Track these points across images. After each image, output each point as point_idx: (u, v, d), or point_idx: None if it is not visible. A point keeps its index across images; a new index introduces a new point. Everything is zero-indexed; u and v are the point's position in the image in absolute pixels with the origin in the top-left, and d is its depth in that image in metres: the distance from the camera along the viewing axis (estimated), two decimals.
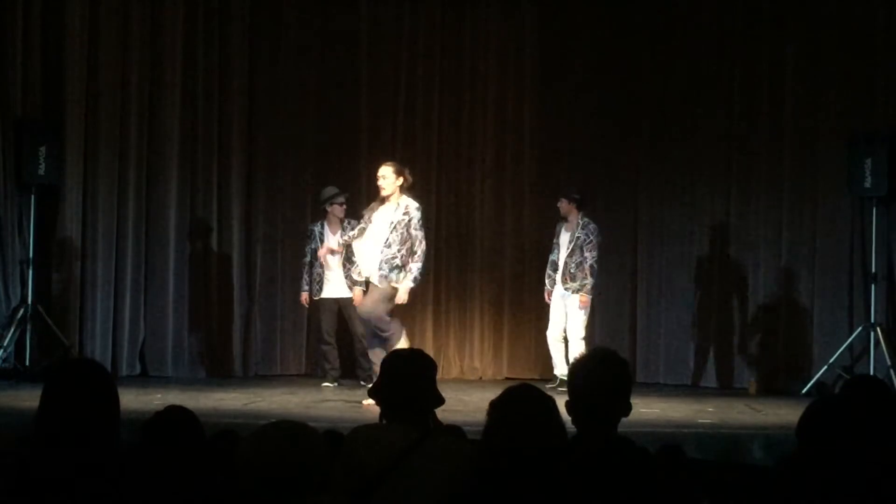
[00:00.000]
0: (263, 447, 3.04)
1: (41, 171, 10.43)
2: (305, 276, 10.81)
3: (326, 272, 10.68)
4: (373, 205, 9.31)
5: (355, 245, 9.39)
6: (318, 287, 10.74)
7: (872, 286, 10.40)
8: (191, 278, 11.41)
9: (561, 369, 10.38)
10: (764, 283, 11.19)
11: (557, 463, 3.40)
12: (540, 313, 11.79)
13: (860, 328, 10.37)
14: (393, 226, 9.05)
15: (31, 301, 10.42)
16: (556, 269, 10.59)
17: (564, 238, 10.58)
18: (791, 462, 3.67)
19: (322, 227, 10.77)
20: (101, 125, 10.98)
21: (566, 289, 10.46)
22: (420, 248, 9.07)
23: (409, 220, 9.06)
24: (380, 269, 9.04)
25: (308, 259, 10.78)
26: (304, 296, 10.83)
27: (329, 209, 10.70)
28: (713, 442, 7.49)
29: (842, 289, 10.77)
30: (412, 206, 9.11)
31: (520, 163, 12.20)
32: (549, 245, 10.83)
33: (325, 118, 11.99)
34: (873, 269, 10.42)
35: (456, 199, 12.22)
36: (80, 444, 3.51)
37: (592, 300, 10.52)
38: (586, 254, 10.42)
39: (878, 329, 10.20)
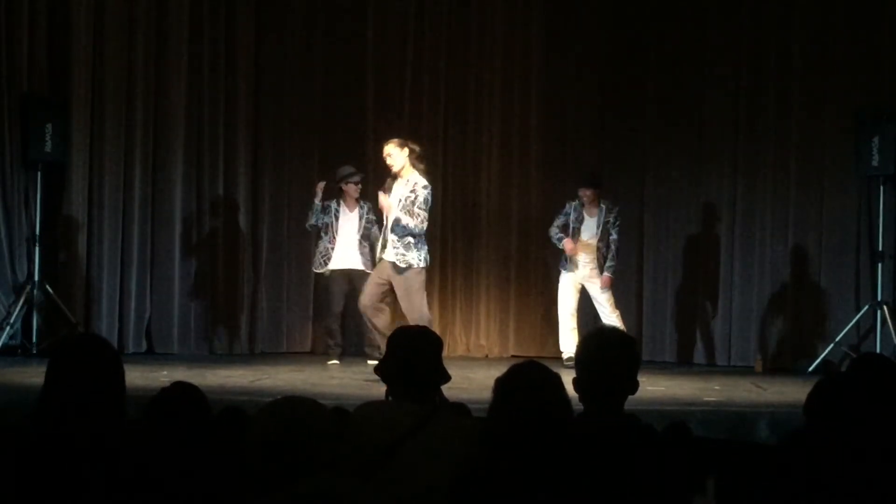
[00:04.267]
0: (271, 424, 3.04)
1: (47, 149, 10.42)
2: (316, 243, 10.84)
3: (331, 246, 10.68)
4: (388, 182, 9.29)
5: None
6: (321, 261, 10.76)
7: (879, 265, 10.40)
8: (197, 256, 11.42)
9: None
10: (771, 262, 11.18)
11: (564, 440, 3.40)
12: (546, 291, 11.79)
13: (867, 307, 10.37)
14: (401, 203, 9.05)
15: (38, 278, 10.43)
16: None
17: (590, 223, 10.60)
18: (797, 439, 3.67)
19: (339, 203, 10.74)
20: (108, 102, 10.97)
21: (605, 271, 10.56)
22: (412, 220, 9.02)
23: (415, 199, 9.05)
24: (395, 249, 9.05)
25: (313, 224, 10.78)
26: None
27: (344, 188, 10.69)
28: (719, 420, 7.49)
29: (848, 267, 10.77)
30: (420, 183, 9.09)
31: (526, 142, 12.17)
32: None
33: (332, 96, 11.97)
34: (880, 248, 10.43)
35: (462, 178, 12.20)
36: (85, 421, 3.52)
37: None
38: (615, 236, 10.63)
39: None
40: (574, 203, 10.70)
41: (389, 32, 12.11)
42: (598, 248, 10.60)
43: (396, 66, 12.11)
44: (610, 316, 10.56)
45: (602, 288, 10.59)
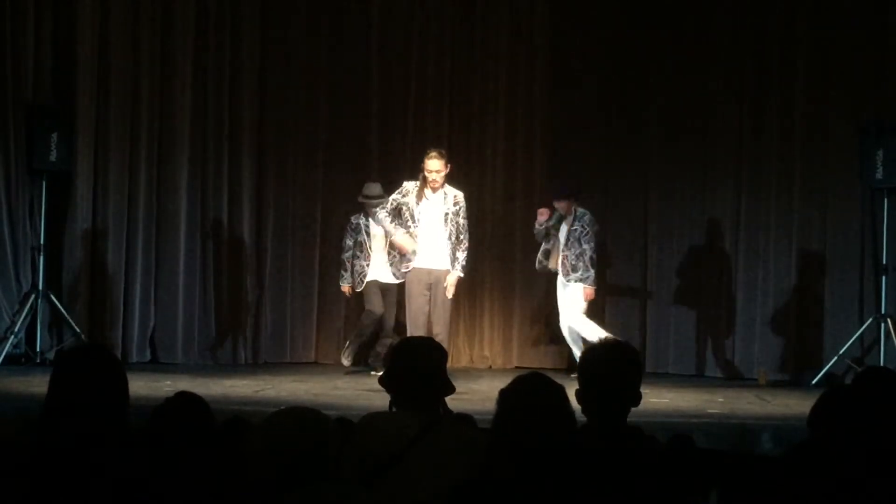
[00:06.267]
0: (274, 433, 3.05)
1: (52, 158, 10.44)
2: (347, 266, 10.74)
3: (367, 263, 10.65)
4: (417, 192, 9.25)
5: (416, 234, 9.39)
6: (359, 280, 10.67)
7: (883, 277, 10.38)
8: (201, 265, 11.41)
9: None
10: (774, 274, 11.17)
11: (567, 452, 3.39)
12: (550, 302, 11.78)
13: (871, 319, 10.35)
14: (448, 217, 9.12)
15: (42, 287, 10.44)
16: (547, 257, 10.55)
17: (562, 231, 10.48)
18: (801, 451, 3.67)
19: (367, 219, 10.65)
20: (112, 111, 10.98)
21: (567, 280, 10.36)
22: (467, 236, 9.42)
23: (460, 210, 9.27)
24: (453, 265, 9.29)
25: (350, 253, 10.72)
26: (347, 287, 10.80)
27: (370, 211, 10.56)
28: (722, 432, 7.49)
29: (852, 280, 10.75)
30: (460, 195, 9.33)
31: (530, 153, 12.16)
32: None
33: (336, 108, 11.97)
34: (884, 261, 10.41)
35: (466, 189, 12.17)
36: (89, 430, 3.52)
37: (595, 291, 10.46)
38: (584, 245, 10.26)
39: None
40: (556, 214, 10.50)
41: (393, 44, 12.12)
42: (565, 257, 10.34)
43: (400, 78, 12.11)
44: (577, 323, 10.30)
45: (584, 299, 10.27)
